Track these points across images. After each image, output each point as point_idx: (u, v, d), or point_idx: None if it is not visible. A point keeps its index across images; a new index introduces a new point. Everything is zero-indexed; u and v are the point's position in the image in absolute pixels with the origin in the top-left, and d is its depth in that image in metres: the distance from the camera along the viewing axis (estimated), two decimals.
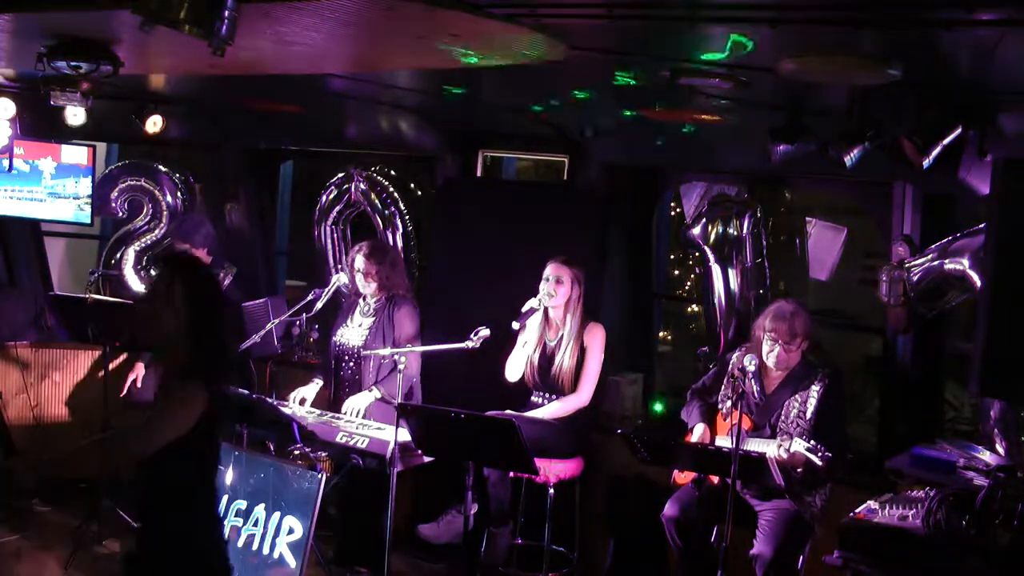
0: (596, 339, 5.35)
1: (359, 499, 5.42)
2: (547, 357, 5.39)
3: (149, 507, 3.41)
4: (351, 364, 5.61)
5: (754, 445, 4.54)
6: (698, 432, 4.90)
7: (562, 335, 5.37)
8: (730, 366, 4.85)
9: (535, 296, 5.32)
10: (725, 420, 4.91)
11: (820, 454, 4.36)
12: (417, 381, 5.61)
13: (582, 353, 5.33)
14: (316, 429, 5.20)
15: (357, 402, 5.41)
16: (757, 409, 4.74)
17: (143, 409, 6.34)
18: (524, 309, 5.30)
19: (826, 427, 4.59)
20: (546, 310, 5.38)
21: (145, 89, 6.22)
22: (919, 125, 3.90)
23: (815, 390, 4.67)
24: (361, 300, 5.73)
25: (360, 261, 5.61)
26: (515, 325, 5.29)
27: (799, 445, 4.41)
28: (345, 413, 5.38)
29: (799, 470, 4.52)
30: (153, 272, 3.47)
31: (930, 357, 5.18)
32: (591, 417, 5.51)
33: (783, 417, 4.70)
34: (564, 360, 5.32)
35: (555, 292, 5.30)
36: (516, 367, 5.44)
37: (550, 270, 5.34)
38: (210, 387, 3.35)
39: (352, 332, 5.65)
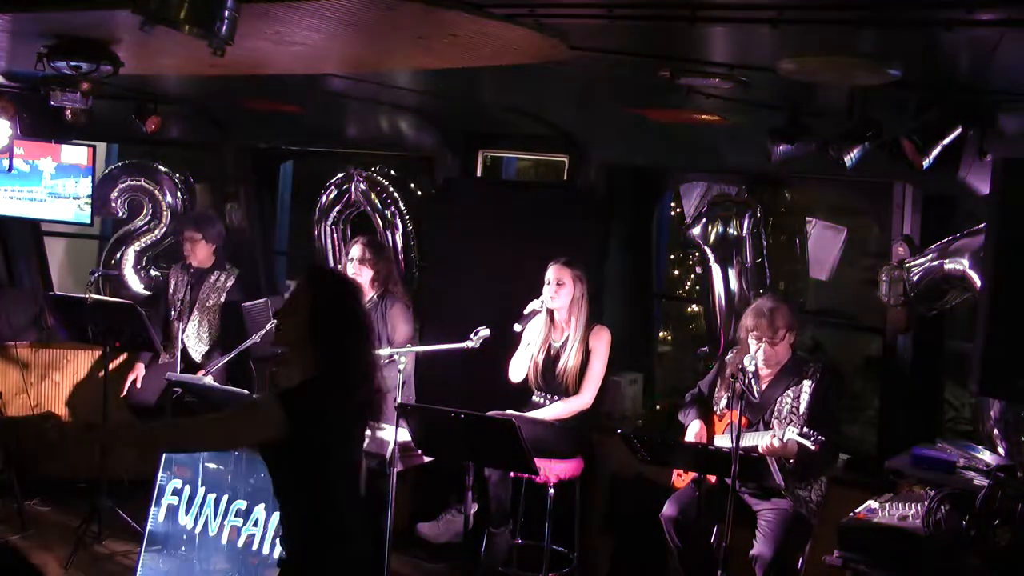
0: (602, 342, 5.35)
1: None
2: (551, 358, 5.38)
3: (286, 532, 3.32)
4: None
5: (748, 439, 4.57)
6: (693, 429, 4.91)
7: (567, 336, 5.36)
8: (728, 368, 4.87)
9: (535, 296, 5.31)
10: (720, 420, 4.91)
11: (813, 438, 4.37)
12: (411, 380, 5.61)
13: (586, 355, 5.32)
14: None
15: None
16: (751, 407, 4.74)
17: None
18: (526, 311, 5.30)
19: (820, 420, 4.60)
20: (551, 311, 5.37)
21: (145, 89, 6.21)
22: (919, 125, 3.90)
23: (807, 385, 4.70)
24: None
25: (357, 249, 5.63)
26: (517, 327, 5.29)
27: (791, 433, 4.44)
28: None
29: (791, 461, 4.54)
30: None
31: (930, 357, 5.18)
32: (591, 417, 5.51)
33: (776, 412, 4.72)
34: (568, 361, 5.31)
35: (557, 294, 5.30)
36: (520, 368, 5.44)
37: (551, 273, 5.32)
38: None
39: None
